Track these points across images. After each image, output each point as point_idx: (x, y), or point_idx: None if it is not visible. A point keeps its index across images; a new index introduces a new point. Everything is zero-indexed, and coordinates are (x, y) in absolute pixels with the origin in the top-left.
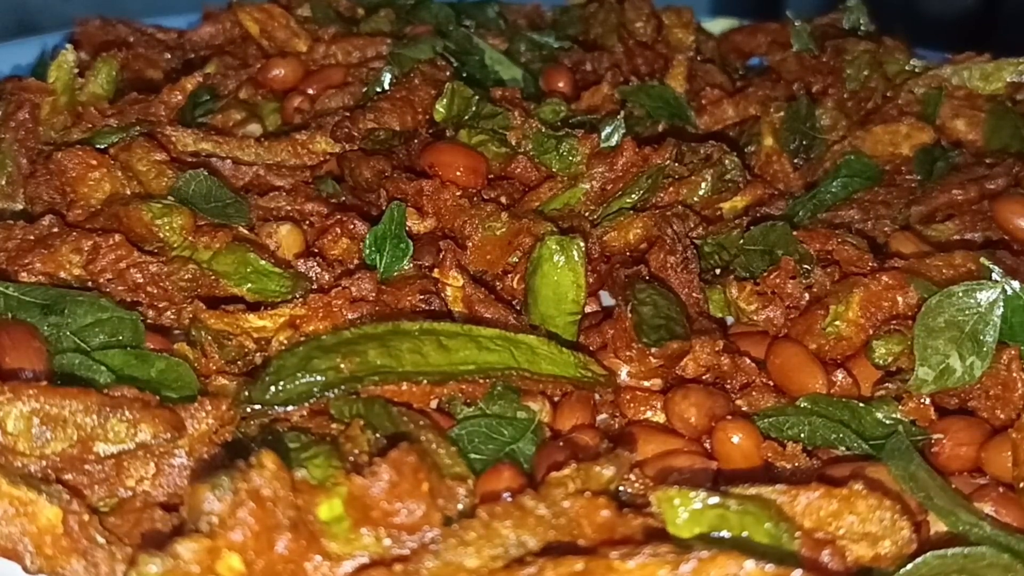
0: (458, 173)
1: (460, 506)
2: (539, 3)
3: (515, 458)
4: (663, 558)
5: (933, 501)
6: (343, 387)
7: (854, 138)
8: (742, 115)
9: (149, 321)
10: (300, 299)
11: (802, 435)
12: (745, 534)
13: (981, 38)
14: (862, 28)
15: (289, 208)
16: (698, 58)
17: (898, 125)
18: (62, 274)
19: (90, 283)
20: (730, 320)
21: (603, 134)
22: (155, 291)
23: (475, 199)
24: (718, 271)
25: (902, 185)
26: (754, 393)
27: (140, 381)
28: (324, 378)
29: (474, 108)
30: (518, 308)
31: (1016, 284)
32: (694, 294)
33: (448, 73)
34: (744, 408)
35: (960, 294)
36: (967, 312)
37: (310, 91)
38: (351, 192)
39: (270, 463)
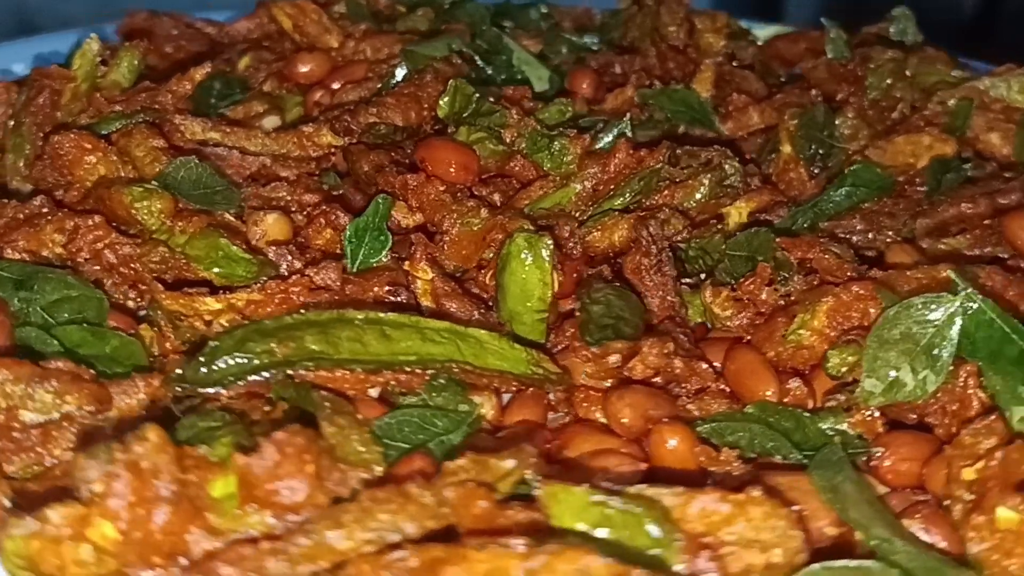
0: (450, 169)
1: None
2: (590, 6)
3: (444, 449)
4: (514, 550)
5: (848, 513)
6: (274, 370)
7: (874, 147)
8: (767, 121)
9: (122, 300)
10: (259, 285)
11: (742, 442)
12: (627, 533)
13: (981, 38)
14: (909, 38)
15: (289, 198)
16: (734, 64)
17: (920, 136)
18: (44, 252)
19: (69, 262)
20: None
21: (608, 136)
22: (127, 271)
23: (459, 195)
24: (703, 275)
25: (911, 197)
26: (707, 398)
27: (95, 356)
28: (257, 361)
29: (473, 105)
30: (490, 304)
31: (981, 299)
32: (668, 297)
33: (465, 71)
34: (696, 412)
35: (919, 306)
36: (925, 325)
37: (334, 86)
38: (354, 185)
39: (153, 436)
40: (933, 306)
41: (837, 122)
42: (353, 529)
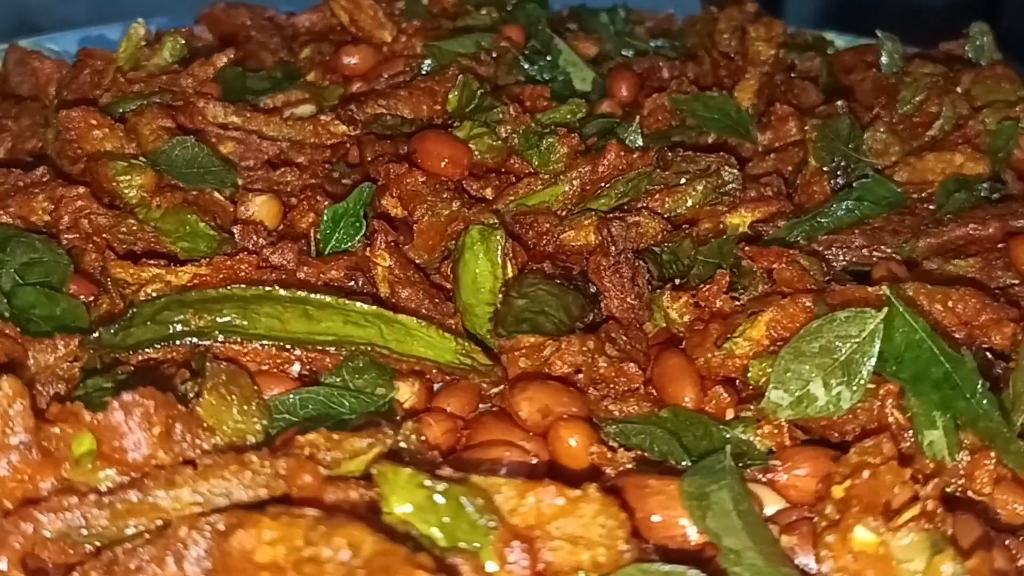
0: (440, 162)
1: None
2: (673, 12)
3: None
4: (300, 519)
5: (705, 522)
6: (185, 340)
7: (904, 164)
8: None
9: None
10: (207, 260)
11: (644, 444)
12: (447, 519)
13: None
14: (985, 55)
15: (298, 183)
16: (792, 74)
17: (953, 155)
18: (33, 218)
19: (54, 229)
20: None
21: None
22: (99, 241)
23: (437, 186)
24: (677, 280)
25: (920, 215)
26: (632, 400)
27: (45, 317)
28: (170, 330)
29: (476, 101)
30: (451, 295)
31: (912, 317)
32: (628, 299)
33: (491, 69)
34: (616, 413)
35: (842, 320)
36: (846, 340)
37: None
38: (363, 173)
39: (7, 387)
40: (856, 321)
41: (865, 136)
42: (182, 491)
